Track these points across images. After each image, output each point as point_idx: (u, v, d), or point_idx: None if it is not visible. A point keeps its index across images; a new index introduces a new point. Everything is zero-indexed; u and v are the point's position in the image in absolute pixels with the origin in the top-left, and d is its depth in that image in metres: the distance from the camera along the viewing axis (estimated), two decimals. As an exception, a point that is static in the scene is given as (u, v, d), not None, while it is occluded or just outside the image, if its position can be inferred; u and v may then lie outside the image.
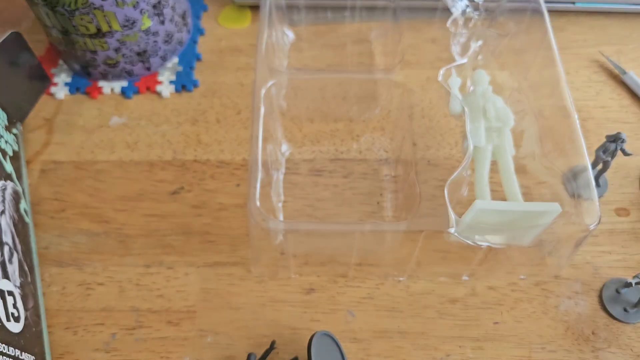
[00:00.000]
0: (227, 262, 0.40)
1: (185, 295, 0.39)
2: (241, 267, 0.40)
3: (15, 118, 0.45)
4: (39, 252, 0.41)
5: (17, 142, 0.44)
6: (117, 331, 0.37)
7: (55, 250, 0.41)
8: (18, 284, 0.35)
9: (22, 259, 0.37)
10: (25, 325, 0.34)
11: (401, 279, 0.39)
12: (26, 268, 0.38)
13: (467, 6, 0.45)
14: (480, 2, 0.45)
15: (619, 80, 0.49)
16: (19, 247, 0.38)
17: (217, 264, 0.40)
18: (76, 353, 0.37)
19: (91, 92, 0.49)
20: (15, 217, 0.39)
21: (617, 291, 0.38)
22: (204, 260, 0.40)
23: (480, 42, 0.44)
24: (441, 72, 0.39)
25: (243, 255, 0.40)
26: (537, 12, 0.42)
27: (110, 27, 0.44)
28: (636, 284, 0.37)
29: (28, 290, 0.37)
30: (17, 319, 0.34)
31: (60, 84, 0.50)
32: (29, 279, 0.38)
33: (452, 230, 0.32)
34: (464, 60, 0.41)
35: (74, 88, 0.50)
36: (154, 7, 0.45)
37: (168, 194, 0.43)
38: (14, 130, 0.44)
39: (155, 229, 0.42)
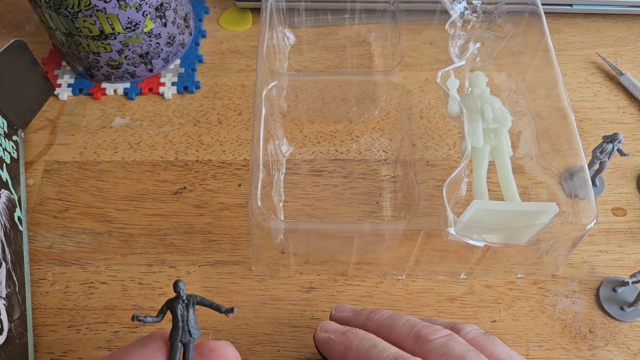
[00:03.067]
0: (229, 261, 0.40)
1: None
2: (242, 265, 0.40)
3: (17, 125, 0.45)
4: (42, 251, 0.41)
5: (17, 150, 0.44)
6: (120, 329, 0.38)
7: (59, 249, 0.41)
8: (4, 295, 0.35)
9: (11, 269, 0.37)
10: (8, 338, 0.34)
11: (400, 277, 0.40)
12: (15, 278, 0.37)
13: (466, 9, 0.45)
14: (478, 5, 0.46)
15: (615, 81, 0.50)
16: (8, 257, 0.37)
17: (219, 263, 0.40)
18: (79, 351, 0.37)
19: (94, 93, 0.50)
20: (8, 225, 0.39)
21: (614, 290, 0.38)
22: (206, 259, 0.41)
23: (478, 44, 0.44)
24: (440, 73, 0.39)
25: (244, 254, 0.41)
26: (535, 14, 0.42)
27: (113, 29, 0.45)
28: (633, 282, 0.37)
29: (15, 301, 0.36)
30: None
31: (64, 85, 0.50)
32: (17, 289, 0.37)
33: (450, 229, 0.33)
34: (462, 62, 0.41)
35: (77, 89, 0.50)
36: (157, 9, 0.46)
37: (170, 194, 0.44)
38: (15, 138, 0.44)
39: (158, 228, 0.42)
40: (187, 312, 0.26)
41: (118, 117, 0.48)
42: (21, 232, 0.41)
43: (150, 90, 0.50)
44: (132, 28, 0.45)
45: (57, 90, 0.50)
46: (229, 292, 0.39)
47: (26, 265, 0.40)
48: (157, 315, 0.26)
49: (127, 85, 0.50)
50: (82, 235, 0.42)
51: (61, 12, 0.43)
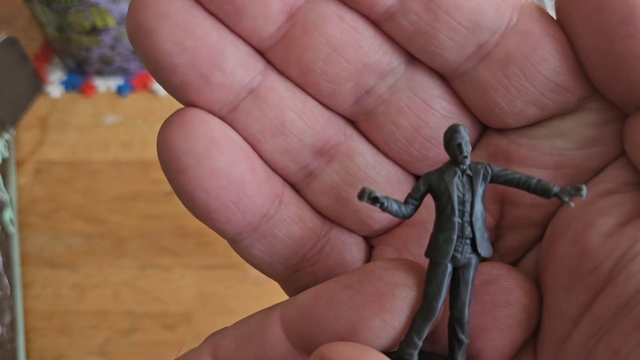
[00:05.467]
0: (224, 264, 0.39)
1: (181, 298, 0.38)
2: (238, 269, 0.39)
3: (7, 123, 0.44)
4: (33, 253, 0.40)
5: (8, 149, 0.43)
6: (112, 334, 0.37)
7: (50, 251, 0.40)
8: None
9: (1, 271, 0.37)
10: None
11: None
12: (6, 281, 0.37)
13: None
14: None
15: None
16: None
17: (214, 267, 0.39)
18: (70, 356, 0.36)
19: (86, 90, 0.49)
20: None
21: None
22: (200, 263, 0.40)
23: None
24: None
25: (240, 257, 0.40)
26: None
27: (105, 23, 0.43)
28: None
29: (6, 304, 0.36)
30: None
31: (56, 82, 0.49)
32: (9, 293, 0.37)
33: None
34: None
35: (69, 86, 0.49)
36: (150, 3, 0.45)
37: (163, 194, 0.43)
38: (6, 136, 0.43)
39: (151, 230, 0.41)
40: (473, 196, 0.13)
41: (111, 115, 0.47)
42: (12, 234, 0.40)
43: (143, 86, 0.49)
44: (125, 23, 0.44)
45: (49, 87, 0.49)
46: (224, 296, 0.38)
47: (17, 268, 0.39)
48: (407, 202, 0.13)
49: (120, 81, 0.49)
50: (73, 237, 0.41)
51: (53, 7, 0.42)
